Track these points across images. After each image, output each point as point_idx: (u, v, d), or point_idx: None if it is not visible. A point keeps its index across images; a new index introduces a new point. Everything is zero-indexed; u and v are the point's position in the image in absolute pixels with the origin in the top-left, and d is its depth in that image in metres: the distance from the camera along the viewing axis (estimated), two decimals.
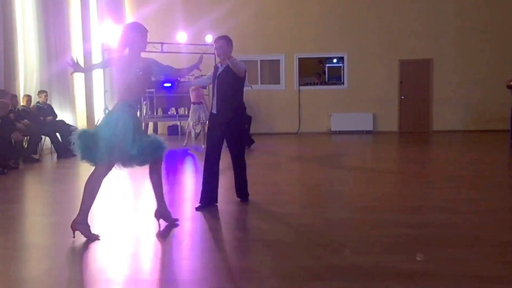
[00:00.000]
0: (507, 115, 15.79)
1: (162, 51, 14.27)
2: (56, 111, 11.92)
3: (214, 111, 5.89)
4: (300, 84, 16.97)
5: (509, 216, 5.44)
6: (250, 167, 8.75)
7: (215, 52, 5.84)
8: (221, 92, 5.83)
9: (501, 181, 7.61)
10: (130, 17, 16.34)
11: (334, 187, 7.42)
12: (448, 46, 16.33)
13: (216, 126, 5.89)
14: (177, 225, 5.17)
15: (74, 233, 4.73)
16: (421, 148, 12.67)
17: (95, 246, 4.59)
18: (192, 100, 12.37)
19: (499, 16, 16.22)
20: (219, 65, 5.95)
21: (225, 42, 5.75)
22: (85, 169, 10.59)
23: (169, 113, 14.73)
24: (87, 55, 14.02)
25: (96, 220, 5.77)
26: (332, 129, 16.37)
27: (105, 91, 14.57)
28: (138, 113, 5.10)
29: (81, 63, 13.75)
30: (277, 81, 17.05)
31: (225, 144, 5.95)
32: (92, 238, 4.69)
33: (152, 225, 5.28)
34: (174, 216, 5.33)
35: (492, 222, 5.17)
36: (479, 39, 16.26)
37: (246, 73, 6.03)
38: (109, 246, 4.60)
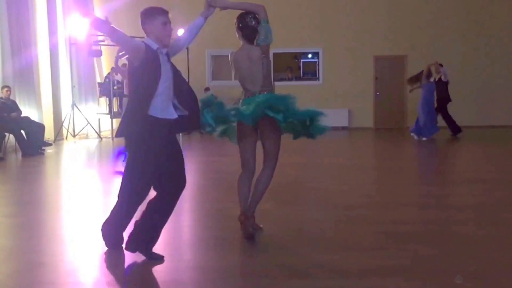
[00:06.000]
0: (476, 111, 15.97)
1: None
2: (21, 107, 11.39)
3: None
4: (274, 80, 16.65)
5: (486, 212, 5.39)
6: (224, 164, 8.55)
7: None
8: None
9: (475, 176, 7.58)
10: (98, 10, 15.78)
11: (310, 184, 7.30)
12: (422, 42, 16.30)
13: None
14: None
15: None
16: (396, 144, 12.66)
17: (63, 248, 4.42)
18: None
19: (473, 12, 16.27)
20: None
21: None
22: (51, 168, 10.33)
23: None
24: (53, 49, 13.48)
25: (66, 221, 5.46)
26: None
27: (72, 87, 14.05)
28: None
29: (47, 59, 13.27)
30: None
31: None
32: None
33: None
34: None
35: (469, 217, 5.15)
36: (453, 36, 16.27)
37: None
38: (78, 247, 4.39)
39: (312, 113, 4.33)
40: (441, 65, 13.23)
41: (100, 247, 4.36)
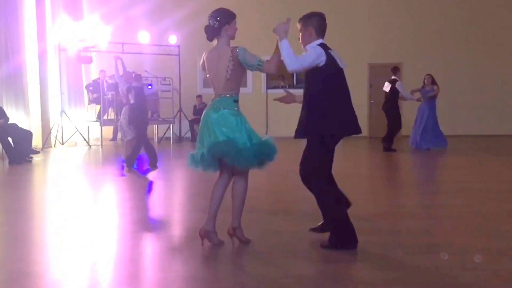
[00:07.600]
0: (471, 120, 15.87)
1: (122, 52, 13.60)
2: (8, 114, 11.11)
3: None
4: (268, 87, 16.54)
5: (479, 222, 5.27)
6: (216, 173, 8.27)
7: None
8: None
9: (469, 186, 7.43)
10: (88, 15, 15.56)
11: (301, 193, 7.01)
12: (417, 50, 16.22)
13: None
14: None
15: (202, 241, 4.29)
16: (390, 153, 12.40)
17: (50, 257, 4.32)
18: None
19: (468, 20, 16.21)
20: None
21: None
22: (39, 176, 10.02)
23: None
24: (41, 55, 13.22)
25: (52, 230, 5.36)
26: None
27: (61, 93, 13.78)
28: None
29: (36, 65, 13.01)
30: (243, 84, 16.55)
31: None
32: (217, 243, 4.28)
33: (113, 234, 5.03)
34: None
35: (463, 228, 5.04)
36: (448, 44, 16.20)
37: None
38: (66, 256, 4.27)
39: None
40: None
41: (86, 256, 4.22)
